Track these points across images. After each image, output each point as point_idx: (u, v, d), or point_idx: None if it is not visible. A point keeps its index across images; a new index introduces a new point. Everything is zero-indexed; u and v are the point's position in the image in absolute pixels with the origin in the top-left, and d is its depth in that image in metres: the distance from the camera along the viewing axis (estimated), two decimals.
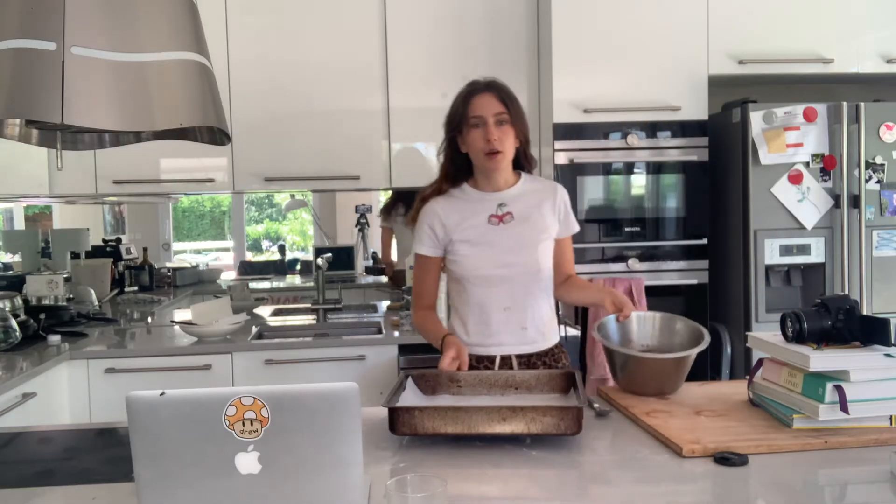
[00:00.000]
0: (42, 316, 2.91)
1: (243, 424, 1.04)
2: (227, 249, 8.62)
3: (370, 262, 5.27)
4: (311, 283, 4.30)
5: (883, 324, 1.45)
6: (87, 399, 2.66)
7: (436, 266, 1.97)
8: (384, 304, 3.71)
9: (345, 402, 1.05)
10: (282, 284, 4.96)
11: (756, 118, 2.79)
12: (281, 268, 5.77)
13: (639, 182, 2.96)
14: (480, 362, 1.92)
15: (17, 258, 4.66)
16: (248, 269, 5.77)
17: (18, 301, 2.92)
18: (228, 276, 5.65)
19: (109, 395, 2.63)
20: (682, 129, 2.94)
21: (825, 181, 2.82)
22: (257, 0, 3.10)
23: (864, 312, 2.72)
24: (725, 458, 1.33)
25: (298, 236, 9.52)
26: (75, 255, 4.32)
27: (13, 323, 2.68)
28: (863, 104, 2.80)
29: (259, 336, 3.03)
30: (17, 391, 2.26)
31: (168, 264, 5.49)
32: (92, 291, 3.59)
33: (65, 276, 3.79)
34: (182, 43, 1.47)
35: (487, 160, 1.86)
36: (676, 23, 2.92)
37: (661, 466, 1.34)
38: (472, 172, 1.94)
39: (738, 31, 2.94)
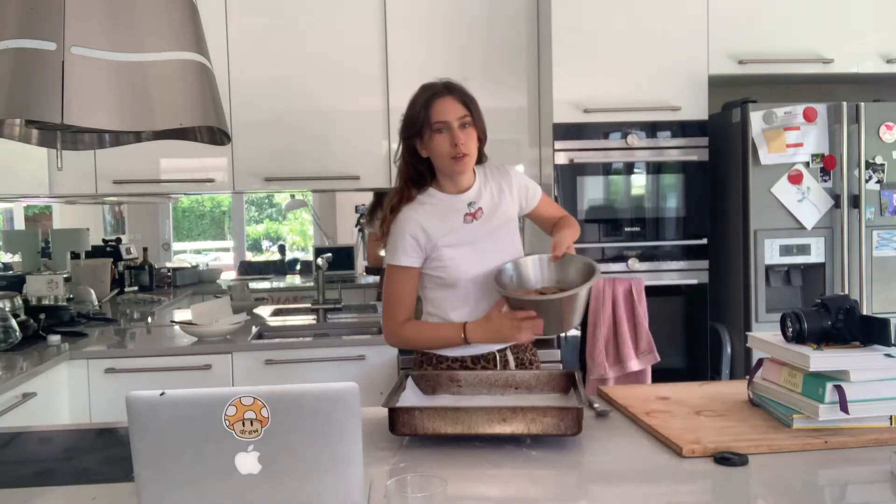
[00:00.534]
0: (42, 316, 2.91)
1: (243, 424, 1.04)
2: (227, 249, 8.61)
3: (373, 265, 5.26)
4: (311, 283, 4.30)
5: (883, 324, 1.45)
6: (87, 399, 2.66)
7: (416, 277, 1.91)
8: None
9: (345, 402, 1.05)
10: (282, 284, 4.97)
11: (756, 118, 2.79)
12: (281, 268, 5.77)
13: (639, 182, 2.96)
14: (477, 363, 1.91)
15: (17, 258, 4.66)
16: (248, 269, 5.78)
17: (18, 301, 2.92)
18: (228, 276, 5.65)
19: (109, 395, 2.63)
20: (682, 129, 2.94)
21: (825, 181, 2.82)
22: (257, 0, 3.10)
23: (864, 312, 2.72)
24: (725, 458, 1.33)
25: (298, 236, 9.51)
26: (75, 255, 4.32)
27: (13, 323, 2.68)
28: (863, 104, 2.80)
29: (259, 336, 3.03)
30: (17, 391, 2.26)
31: (168, 264, 5.50)
32: (92, 291, 3.59)
33: (65, 276, 3.79)
34: (182, 43, 1.47)
35: (454, 164, 1.85)
36: (676, 23, 2.92)
37: (661, 466, 1.34)
38: (434, 175, 1.93)
39: (738, 31, 2.94)
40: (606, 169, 2.94)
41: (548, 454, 1.40)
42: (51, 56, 1.31)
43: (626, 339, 2.81)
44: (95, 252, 4.50)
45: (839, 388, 1.41)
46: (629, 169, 2.95)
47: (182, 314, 3.59)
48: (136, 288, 4.47)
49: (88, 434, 1.69)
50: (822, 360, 1.44)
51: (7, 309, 2.76)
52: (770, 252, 2.82)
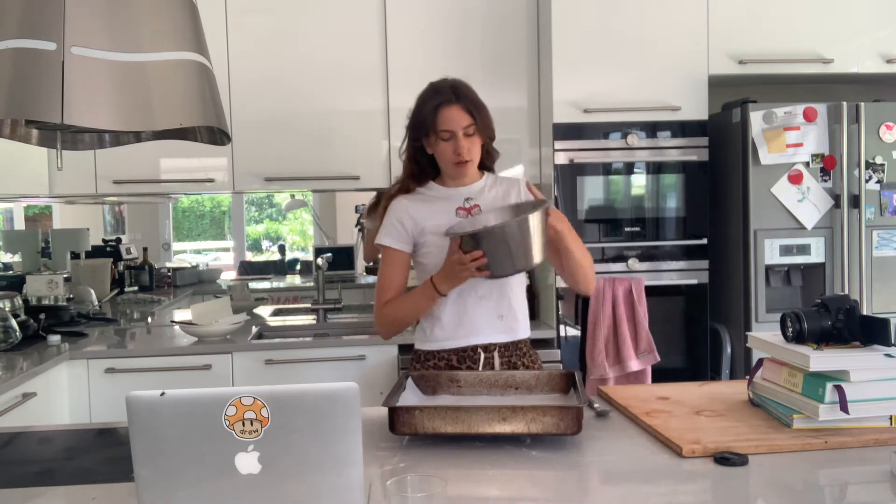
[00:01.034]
0: (42, 316, 2.91)
1: (243, 424, 1.04)
2: (227, 249, 8.62)
3: (370, 263, 5.26)
4: (311, 283, 4.30)
5: (883, 324, 1.45)
6: (87, 399, 2.66)
7: (403, 261, 1.95)
8: None
9: (345, 402, 1.05)
10: (282, 284, 4.97)
11: (756, 118, 2.79)
12: (281, 268, 5.78)
13: (639, 182, 2.96)
14: (463, 362, 1.92)
15: (17, 258, 4.66)
16: (248, 269, 5.78)
17: (18, 301, 2.92)
18: (228, 276, 5.66)
19: (109, 395, 2.63)
20: (682, 129, 2.94)
21: (825, 181, 2.82)
22: (257, 0, 3.10)
23: (864, 312, 2.72)
24: (725, 458, 1.33)
25: (298, 236, 9.52)
26: (75, 255, 4.32)
27: (13, 323, 2.68)
28: (863, 104, 2.80)
29: (259, 336, 3.03)
30: (17, 391, 2.26)
31: (168, 264, 5.50)
32: (92, 291, 3.59)
33: (65, 276, 3.79)
34: (182, 43, 1.47)
35: (456, 168, 1.91)
36: (676, 23, 2.92)
37: (661, 466, 1.34)
38: (437, 170, 1.97)
39: (738, 31, 2.94)
40: (606, 169, 2.94)
41: (548, 454, 1.40)
42: (51, 56, 1.31)
43: (626, 339, 2.81)
44: (95, 252, 4.50)
45: (839, 388, 1.41)
46: (629, 169, 2.95)
47: (182, 314, 3.59)
48: (136, 288, 4.47)
49: (88, 434, 1.69)
50: (822, 360, 1.44)
51: (7, 309, 2.76)
52: (770, 252, 2.82)
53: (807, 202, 2.82)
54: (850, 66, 3.01)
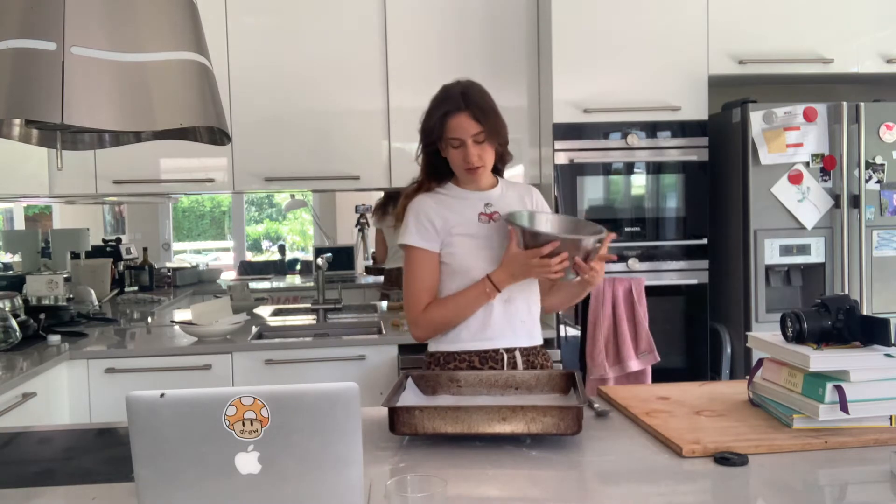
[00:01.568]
0: (42, 316, 2.91)
1: (243, 424, 1.04)
2: (227, 249, 8.62)
3: (370, 262, 5.28)
4: (311, 283, 4.31)
5: (883, 324, 1.45)
6: (87, 399, 2.66)
7: (434, 262, 1.90)
8: (384, 304, 3.71)
9: (345, 402, 1.05)
10: (282, 284, 4.98)
11: (756, 118, 2.79)
12: (281, 268, 5.78)
13: (639, 182, 2.96)
14: (485, 363, 1.91)
15: (17, 258, 4.66)
16: (248, 269, 5.78)
17: (18, 301, 2.92)
18: (228, 276, 5.66)
19: (109, 395, 2.63)
20: (682, 129, 2.94)
21: (825, 181, 2.82)
22: (257, 0, 3.10)
23: (864, 312, 2.72)
24: (725, 458, 1.33)
25: (298, 236, 9.52)
26: (75, 255, 4.32)
27: (13, 323, 2.68)
28: (863, 104, 2.80)
29: (259, 336, 3.03)
30: (17, 391, 2.26)
31: (168, 264, 5.51)
32: (92, 291, 3.59)
33: (65, 276, 3.79)
34: (182, 43, 1.47)
35: (468, 174, 1.91)
36: (676, 23, 2.92)
37: (661, 466, 1.34)
38: (453, 172, 1.96)
39: (738, 31, 2.94)
40: (606, 169, 2.94)
41: (548, 454, 1.40)
42: (51, 56, 1.31)
43: (626, 339, 2.81)
44: (95, 252, 4.51)
45: (839, 388, 1.41)
46: (629, 169, 2.95)
47: (182, 314, 3.59)
48: (136, 288, 4.48)
49: (88, 434, 1.69)
50: (822, 360, 1.44)
51: (7, 309, 2.76)
52: (770, 252, 2.82)
53: (807, 202, 2.82)
54: (850, 66, 3.01)
